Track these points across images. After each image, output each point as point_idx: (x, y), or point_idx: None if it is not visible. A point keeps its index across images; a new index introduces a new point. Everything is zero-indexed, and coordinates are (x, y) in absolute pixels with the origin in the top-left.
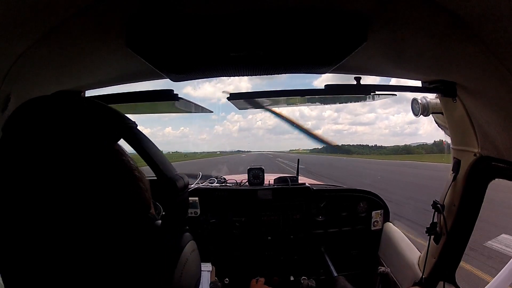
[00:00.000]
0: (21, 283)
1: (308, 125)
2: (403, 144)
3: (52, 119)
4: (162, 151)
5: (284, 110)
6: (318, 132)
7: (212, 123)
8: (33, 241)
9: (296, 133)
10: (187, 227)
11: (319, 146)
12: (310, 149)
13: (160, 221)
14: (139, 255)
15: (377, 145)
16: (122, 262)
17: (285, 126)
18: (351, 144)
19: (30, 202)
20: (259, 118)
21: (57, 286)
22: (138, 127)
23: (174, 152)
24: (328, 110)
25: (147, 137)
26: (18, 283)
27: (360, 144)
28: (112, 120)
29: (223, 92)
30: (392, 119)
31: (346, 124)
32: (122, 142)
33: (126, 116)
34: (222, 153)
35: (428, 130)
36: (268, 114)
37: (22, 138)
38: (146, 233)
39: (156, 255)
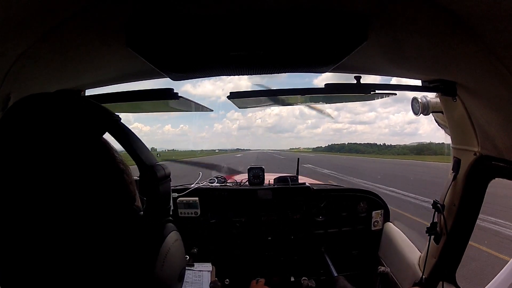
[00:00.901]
0: (11, 268)
1: (308, 123)
2: (412, 142)
3: (40, 115)
4: (145, 144)
5: (285, 109)
6: (318, 130)
7: (212, 121)
8: (22, 231)
9: (295, 132)
10: (171, 218)
11: (322, 144)
12: (313, 148)
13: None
14: (122, 246)
15: (386, 144)
16: (105, 253)
17: (285, 124)
18: (358, 142)
19: (18, 195)
20: (259, 116)
21: (42, 275)
22: (137, 124)
23: (170, 150)
24: (328, 109)
25: (130, 130)
26: (8, 266)
27: (369, 143)
28: (97, 114)
29: (227, 96)
30: (392, 118)
31: (346, 123)
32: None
33: (111, 111)
34: (221, 151)
35: (428, 130)
36: (268, 112)
37: (12, 135)
38: (129, 224)
39: (137, 246)
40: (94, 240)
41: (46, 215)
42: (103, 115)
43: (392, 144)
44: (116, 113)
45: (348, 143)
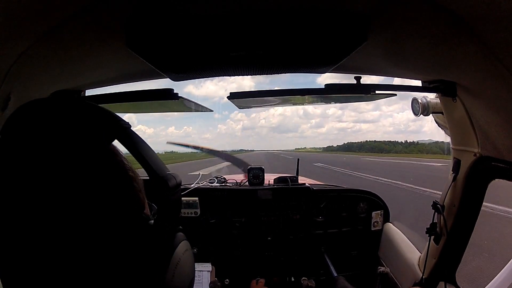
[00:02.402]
0: (17, 279)
1: (312, 123)
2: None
3: (48, 122)
4: (155, 152)
5: (289, 108)
6: (322, 130)
7: (215, 122)
8: (29, 240)
9: (299, 131)
10: (181, 227)
11: (333, 144)
12: (324, 147)
13: (153, 221)
14: (131, 255)
15: (407, 141)
16: (114, 262)
17: (289, 124)
18: (377, 140)
19: (27, 202)
20: (263, 116)
21: (51, 284)
22: (141, 127)
23: (169, 152)
24: (332, 108)
25: (140, 137)
26: (15, 279)
27: (389, 140)
28: (107, 121)
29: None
30: (396, 116)
31: (350, 122)
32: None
33: (120, 118)
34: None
35: (432, 127)
36: (272, 112)
37: (19, 141)
38: (139, 233)
39: (147, 255)
40: (104, 249)
41: (55, 224)
42: (112, 122)
43: (414, 141)
44: (125, 120)
45: (366, 140)
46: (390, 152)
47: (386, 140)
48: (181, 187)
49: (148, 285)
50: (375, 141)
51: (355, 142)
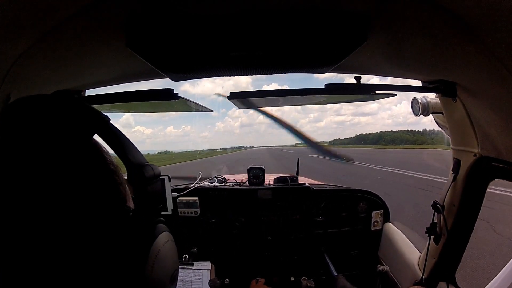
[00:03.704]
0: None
1: (310, 117)
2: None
3: (30, 119)
4: (134, 144)
5: (284, 108)
6: (321, 124)
7: (214, 120)
8: (12, 235)
9: (298, 126)
10: (162, 219)
11: (340, 137)
12: (330, 141)
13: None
14: (111, 247)
15: (427, 129)
16: (95, 254)
17: (287, 120)
18: (393, 130)
19: (8, 196)
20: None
21: (33, 275)
22: (139, 127)
23: (163, 152)
24: None
25: (120, 131)
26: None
27: (408, 130)
28: (87, 115)
29: (217, 94)
30: (395, 109)
31: (349, 115)
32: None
33: (100, 112)
34: (223, 150)
35: (431, 118)
36: (270, 108)
37: (4, 137)
38: (120, 224)
39: (126, 247)
40: (84, 241)
41: (35, 216)
42: (92, 116)
43: (434, 130)
44: (106, 114)
45: (380, 131)
46: (415, 143)
47: (388, 131)
48: (181, 186)
49: (127, 276)
50: (392, 131)
51: (369, 133)
